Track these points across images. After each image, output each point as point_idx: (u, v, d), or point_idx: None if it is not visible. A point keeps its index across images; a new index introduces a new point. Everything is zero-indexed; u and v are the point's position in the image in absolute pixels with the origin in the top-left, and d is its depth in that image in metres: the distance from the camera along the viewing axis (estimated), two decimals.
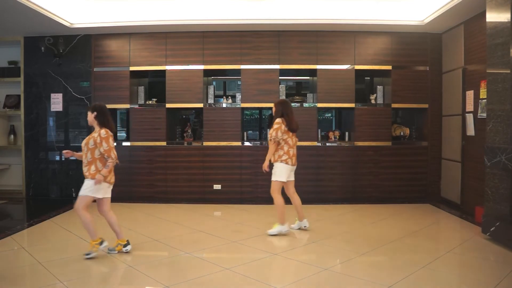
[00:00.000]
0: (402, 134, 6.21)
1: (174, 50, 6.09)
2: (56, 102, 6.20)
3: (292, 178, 4.43)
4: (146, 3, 5.52)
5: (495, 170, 3.98)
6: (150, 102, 6.21)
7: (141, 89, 6.26)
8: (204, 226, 4.62)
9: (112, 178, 3.64)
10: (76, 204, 3.49)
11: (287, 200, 4.38)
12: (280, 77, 6.13)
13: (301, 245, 3.94)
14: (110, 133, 3.57)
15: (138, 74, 6.34)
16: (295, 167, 4.40)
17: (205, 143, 6.07)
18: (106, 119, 3.62)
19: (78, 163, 6.20)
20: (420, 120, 6.28)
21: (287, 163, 4.26)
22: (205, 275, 3.14)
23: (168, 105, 6.09)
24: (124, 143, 6.15)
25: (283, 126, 4.24)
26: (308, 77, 6.79)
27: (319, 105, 6.03)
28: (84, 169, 3.56)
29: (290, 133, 4.31)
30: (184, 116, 6.75)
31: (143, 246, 3.92)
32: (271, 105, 5.96)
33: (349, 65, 6.04)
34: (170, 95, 6.08)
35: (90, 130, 6.14)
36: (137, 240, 4.08)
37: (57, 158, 6.31)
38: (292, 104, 6.02)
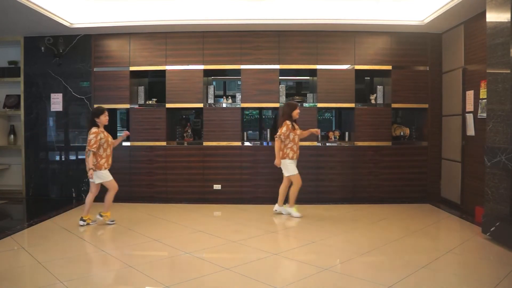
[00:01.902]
0: (402, 134, 6.21)
1: (174, 50, 6.09)
2: (56, 102, 6.20)
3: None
4: (146, 3, 5.52)
5: (495, 170, 3.99)
6: (150, 102, 6.21)
7: (141, 89, 6.25)
8: (204, 226, 4.61)
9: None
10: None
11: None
12: (280, 77, 6.13)
13: (301, 245, 3.94)
14: None
15: (138, 74, 6.34)
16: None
17: (205, 143, 6.07)
18: None
19: (78, 163, 6.27)
20: (420, 120, 6.28)
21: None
22: (205, 275, 3.15)
23: (168, 105, 6.09)
24: (124, 143, 6.14)
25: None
26: (308, 77, 6.79)
27: (319, 105, 6.03)
28: (103, 160, 4.40)
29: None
30: (184, 116, 6.75)
31: (143, 246, 3.92)
32: (271, 105, 6.05)
33: (349, 65, 6.04)
34: (170, 95, 6.08)
35: (88, 129, 6.17)
36: (137, 240, 4.09)
37: (57, 158, 6.30)
38: None
